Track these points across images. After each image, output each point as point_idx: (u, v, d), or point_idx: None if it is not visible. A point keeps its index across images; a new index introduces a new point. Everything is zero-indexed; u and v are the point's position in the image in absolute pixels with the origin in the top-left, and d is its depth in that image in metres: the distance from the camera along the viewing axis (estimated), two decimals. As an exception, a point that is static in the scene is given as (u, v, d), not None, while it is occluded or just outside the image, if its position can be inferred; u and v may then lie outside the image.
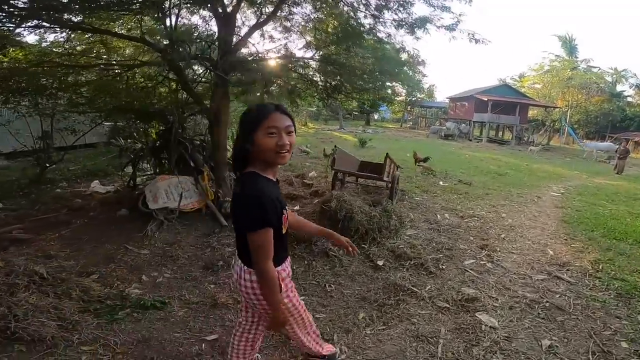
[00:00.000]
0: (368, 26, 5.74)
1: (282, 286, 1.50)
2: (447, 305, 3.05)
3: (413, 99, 45.01)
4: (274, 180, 1.42)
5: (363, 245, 4.01)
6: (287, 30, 6.49)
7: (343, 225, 4.10)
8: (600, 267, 3.93)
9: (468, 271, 3.76)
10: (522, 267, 3.95)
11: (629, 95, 36.52)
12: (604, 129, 34.04)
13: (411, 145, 17.43)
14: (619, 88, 36.16)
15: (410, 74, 40.23)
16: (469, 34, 4.80)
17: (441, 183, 7.88)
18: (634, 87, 35.05)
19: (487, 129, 27.71)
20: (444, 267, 3.81)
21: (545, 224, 5.46)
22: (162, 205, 4.66)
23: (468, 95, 31.12)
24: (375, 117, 55.46)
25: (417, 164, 9.65)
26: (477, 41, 4.89)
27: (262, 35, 6.62)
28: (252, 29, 5.55)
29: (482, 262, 4.00)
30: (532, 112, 34.31)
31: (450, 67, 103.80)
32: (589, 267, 3.94)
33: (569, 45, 35.96)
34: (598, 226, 5.39)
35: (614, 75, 35.04)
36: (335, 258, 3.79)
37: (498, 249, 4.38)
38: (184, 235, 4.22)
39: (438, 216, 5.54)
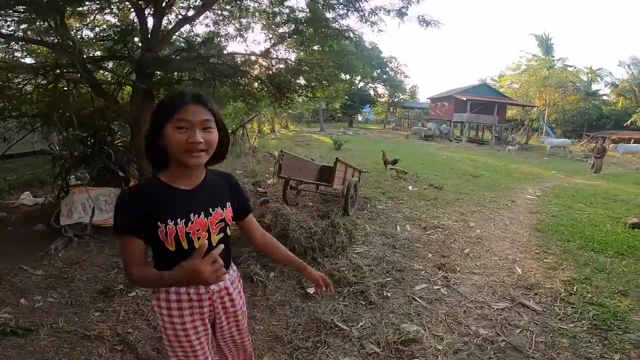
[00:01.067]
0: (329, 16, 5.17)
1: (160, 319, 1.19)
2: (377, 350, 2.40)
3: (395, 99, 44.91)
4: (189, 189, 1.13)
5: None
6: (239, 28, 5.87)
7: None
8: (575, 289, 3.33)
9: (416, 300, 3.12)
10: (482, 291, 3.32)
11: (604, 94, 37.11)
12: (580, 128, 34.43)
13: (390, 147, 16.92)
14: (594, 87, 36.72)
15: (392, 74, 40.38)
16: (418, 16, 4.22)
17: (410, 188, 7.28)
18: (609, 85, 35.61)
19: (466, 129, 27.52)
20: (389, 294, 3.18)
21: (517, 234, 4.87)
22: (76, 220, 4.25)
23: (448, 96, 30.97)
24: (359, 118, 55.27)
25: (387, 166, 9.07)
26: (427, 24, 4.34)
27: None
28: (180, 23, 4.88)
29: (435, 287, 3.37)
30: (510, 112, 34.44)
31: (433, 68, 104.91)
32: (561, 288, 3.33)
33: (546, 45, 36.31)
34: (575, 235, 4.83)
35: (589, 74, 35.53)
36: (260, 283, 3.18)
37: (458, 269, 3.75)
38: (93, 254, 3.76)
39: (398, 228, 4.91)
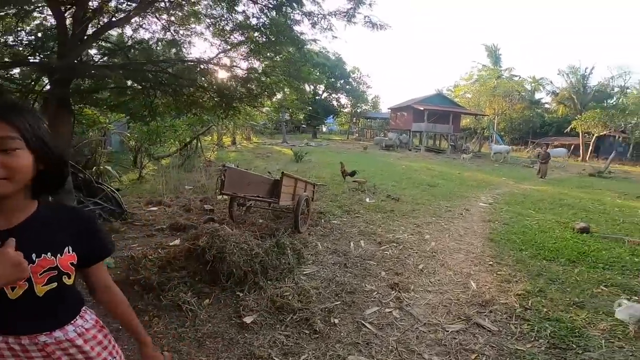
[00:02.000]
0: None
1: None
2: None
3: (358, 110, 45.71)
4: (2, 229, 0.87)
5: (238, 294, 3.10)
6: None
7: (213, 268, 3.21)
8: (530, 303, 3.19)
9: (366, 326, 2.82)
10: (436, 312, 3.09)
11: (546, 103, 40.18)
12: (526, 135, 36.96)
13: (351, 158, 16.92)
14: (537, 95, 39.68)
15: (355, 85, 41.18)
16: (365, 17, 4.08)
17: (367, 200, 7.08)
18: (550, 94, 38.63)
19: (424, 139, 28.44)
20: (336, 320, 2.86)
21: (471, 245, 4.77)
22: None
23: (407, 106, 31.96)
24: (324, 129, 55.64)
25: (345, 178, 8.90)
26: (374, 25, 4.20)
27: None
28: (105, 28, 4.38)
29: (387, 310, 3.10)
30: (464, 121, 36.22)
31: (394, 78, 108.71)
32: (516, 303, 3.18)
33: (494, 55, 38.80)
34: (526, 243, 4.82)
35: (533, 83, 38.34)
36: (190, 312, 2.76)
37: (412, 287, 3.51)
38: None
39: (351, 245, 4.63)
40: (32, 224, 0.91)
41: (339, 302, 3.16)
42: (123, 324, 1.15)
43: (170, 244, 4.23)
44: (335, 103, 42.94)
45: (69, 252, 0.95)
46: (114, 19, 4.56)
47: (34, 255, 0.88)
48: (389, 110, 39.55)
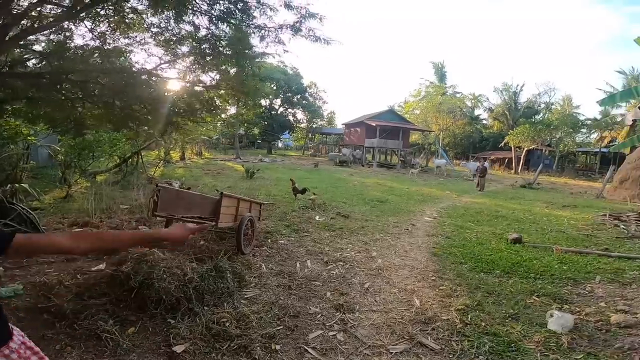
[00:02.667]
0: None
1: None
2: None
3: (314, 125, 46.19)
4: None
5: (170, 321, 2.89)
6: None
7: (139, 295, 2.99)
8: (469, 318, 3.24)
9: (309, 351, 2.69)
10: (380, 332, 3.03)
11: (484, 119, 43.80)
12: (467, 150, 39.89)
13: (305, 174, 16.89)
14: (476, 112, 43.15)
15: (312, 100, 41.70)
16: (309, 30, 4.09)
17: (317, 218, 7.00)
18: (487, 110, 42.20)
19: (377, 154, 29.40)
20: (277, 347, 2.70)
21: (415, 260, 4.84)
22: None
23: (360, 121, 32.96)
24: (280, 145, 55.40)
25: (296, 195, 8.79)
26: (317, 39, 4.25)
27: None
28: (22, 35, 3.94)
29: (332, 333, 2.98)
30: (413, 137, 38.19)
31: (350, 94, 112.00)
32: (457, 319, 3.21)
33: (440, 72, 41.64)
34: (466, 256, 5.00)
35: (473, 100, 41.66)
36: (110, 341, 2.49)
37: (357, 307, 3.44)
38: None
39: (297, 265, 4.47)
40: None
41: (281, 327, 3.01)
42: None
43: (93, 268, 3.84)
44: (291, 118, 43.08)
45: None
46: (36, 24, 4.12)
47: None
48: (344, 125, 40.48)
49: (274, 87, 38.42)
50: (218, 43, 5.44)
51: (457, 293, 3.79)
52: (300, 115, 43.82)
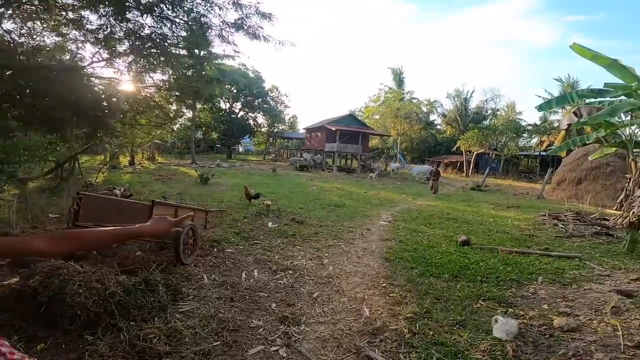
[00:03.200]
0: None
1: None
2: None
3: (275, 130, 45.64)
4: None
5: (87, 337, 2.65)
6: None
7: (48, 311, 2.74)
8: (418, 327, 3.15)
9: (247, 371, 2.42)
10: (326, 346, 2.85)
11: (438, 124, 45.95)
12: (424, 154, 41.56)
13: (264, 179, 16.48)
14: (431, 117, 45.15)
15: (273, 104, 41.12)
16: (248, 27, 3.89)
17: (270, 225, 6.72)
18: (440, 115, 44.32)
19: (337, 158, 29.62)
20: None
21: (368, 266, 4.74)
22: None
23: (321, 126, 33.03)
24: (240, 149, 54.06)
25: (250, 201, 8.45)
26: (256, 36, 4.09)
27: None
28: None
29: (274, 349, 2.77)
30: (373, 141, 39.05)
31: (312, 98, 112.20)
32: (405, 329, 3.11)
33: (399, 78, 43.02)
34: (417, 260, 4.99)
35: (428, 106, 43.54)
36: None
37: (303, 319, 3.24)
38: None
39: (243, 275, 4.19)
40: None
41: (219, 343, 2.76)
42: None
43: (5, 282, 3.31)
44: (252, 122, 42.21)
45: None
46: None
47: None
48: (305, 130, 40.39)
49: (234, 90, 37.48)
50: (164, 42, 5.08)
51: (406, 300, 3.71)
52: (261, 119, 43.12)
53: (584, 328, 3.17)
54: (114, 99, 5.30)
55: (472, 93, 41.09)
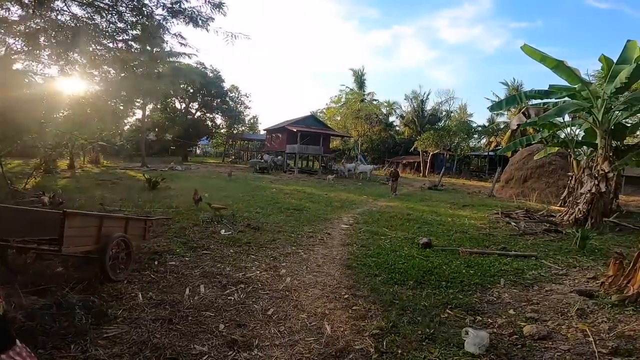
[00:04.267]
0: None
1: None
2: None
3: (235, 131, 44.16)
4: None
5: None
6: None
7: None
8: (385, 345, 2.83)
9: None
10: (283, 378, 2.43)
11: (397, 125, 47.09)
12: (383, 155, 42.38)
13: (221, 183, 15.62)
14: (391, 119, 46.16)
15: (232, 105, 39.64)
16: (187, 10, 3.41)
17: (223, 232, 6.15)
18: (399, 117, 45.45)
19: (298, 160, 29.16)
20: None
21: (329, 276, 4.38)
22: None
23: (281, 127, 32.37)
24: (198, 151, 51.64)
25: (197, 204, 7.85)
26: (195, 23, 3.59)
27: None
28: None
29: (220, 384, 2.29)
30: (334, 143, 39.12)
31: (275, 99, 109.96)
32: (372, 348, 2.78)
33: (360, 79, 43.44)
34: (380, 266, 4.73)
35: (387, 107, 44.45)
36: None
37: (256, 342, 2.81)
38: None
39: (187, 291, 3.65)
40: None
41: None
42: None
43: None
44: (209, 123, 40.44)
45: None
46: None
47: None
48: (265, 131, 39.45)
49: (191, 90, 35.67)
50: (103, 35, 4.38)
51: (371, 313, 3.40)
52: (220, 120, 41.50)
53: (555, 335, 3.05)
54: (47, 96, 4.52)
55: (428, 95, 42.57)
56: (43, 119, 5.44)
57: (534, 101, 11.78)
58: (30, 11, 3.84)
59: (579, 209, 8.85)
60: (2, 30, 4.20)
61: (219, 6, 4.23)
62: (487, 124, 39.82)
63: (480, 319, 3.39)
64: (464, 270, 4.67)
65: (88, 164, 23.43)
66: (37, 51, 4.28)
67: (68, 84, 5.23)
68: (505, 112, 35.44)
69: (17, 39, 4.10)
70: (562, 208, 11.25)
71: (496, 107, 11.76)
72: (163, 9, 3.66)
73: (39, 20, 3.99)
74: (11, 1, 3.71)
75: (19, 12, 3.97)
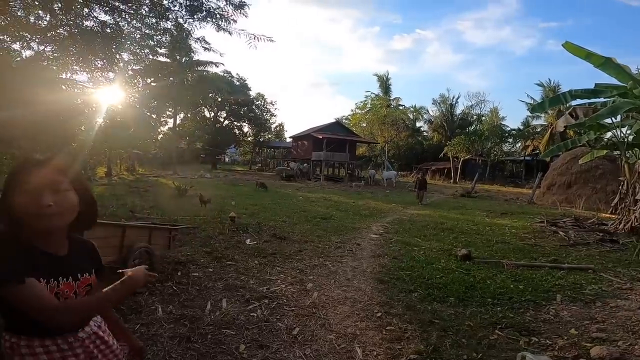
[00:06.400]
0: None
1: None
2: None
3: (261, 139, 44.76)
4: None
5: None
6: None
7: None
8: (426, 373, 2.47)
9: None
10: (309, 413, 2.12)
11: (425, 131, 45.80)
12: (411, 161, 41.22)
13: (247, 190, 15.67)
14: (418, 124, 44.96)
15: (259, 113, 40.29)
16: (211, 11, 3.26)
17: (248, 242, 5.96)
18: (427, 122, 44.18)
19: (324, 167, 28.94)
20: None
21: (359, 291, 4.03)
22: None
23: (307, 134, 32.38)
24: (226, 159, 52.82)
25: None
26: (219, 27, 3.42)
27: None
28: None
29: None
30: (360, 149, 38.55)
31: (300, 106, 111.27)
32: (410, 377, 2.43)
33: (385, 84, 42.79)
34: (416, 281, 4.32)
35: (414, 112, 43.36)
36: None
37: (279, 369, 2.51)
38: None
39: (208, 305, 3.44)
40: (73, 252, 1.17)
41: None
42: (107, 321, 1.30)
43: None
44: (237, 131, 41.26)
45: (92, 272, 1.21)
46: None
47: (79, 275, 1.15)
48: (291, 139, 39.63)
49: (219, 98, 36.60)
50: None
51: (407, 334, 3.03)
52: (246, 128, 42.24)
53: (628, 356, 2.60)
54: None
55: (457, 99, 41.18)
56: (83, 128, 5.54)
57: (579, 101, 10.91)
58: (59, 17, 3.86)
59: (635, 216, 7.95)
60: (35, 37, 4.26)
61: (240, 7, 4.08)
62: (521, 127, 37.88)
63: (537, 340, 2.94)
64: (511, 286, 4.17)
65: (124, 171, 24.45)
66: (67, 58, 4.29)
67: (104, 93, 5.27)
68: (542, 115, 33.56)
69: (46, 45, 4.14)
70: (614, 215, 10.23)
71: (538, 108, 11.00)
72: (180, 8, 3.56)
73: (67, 28, 4.01)
74: (41, 9, 3.74)
75: (48, 17, 4.00)
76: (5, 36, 5.20)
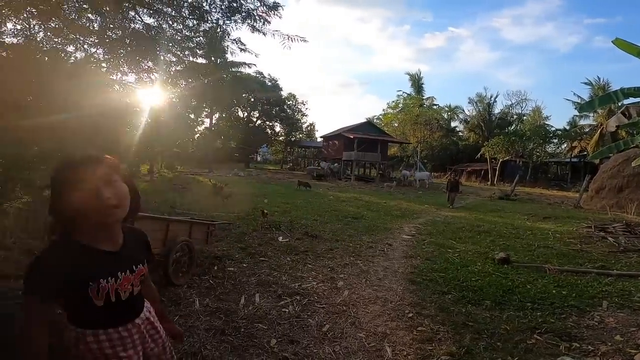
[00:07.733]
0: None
1: None
2: None
3: (292, 138, 45.37)
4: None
5: None
6: None
7: None
8: (458, 377, 2.42)
9: None
10: (338, 407, 2.16)
11: (460, 131, 44.12)
12: (445, 162, 39.88)
13: (278, 189, 15.99)
14: (453, 124, 43.37)
15: (290, 112, 40.93)
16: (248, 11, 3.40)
17: (280, 239, 6.10)
18: (462, 122, 42.52)
19: (355, 167, 28.79)
20: None
21: (390, 291, 4.01)
22: None
23: (338, 134, 32.39)
24: (258, 158, 54.12)
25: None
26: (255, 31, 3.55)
27: None
28: None
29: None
30: (392, 150, 37.92)
31: (331, 106, 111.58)
32: (442, 379, 2.39)
33: (417, 84, 41.78)
34: (449, 283, 4.22)
35: (449, 112, 41.91)
36: None
37: (309, 363, 2.56)
38: None
39: (242, 300, 3.56)
40: (127, 244, 1.21)
41: None
42: (153, 306, 1.38)
43: None
44: (269, 131, 42.14)
45: (145, 263, 1.28)
46: None
47: (134, 267, 1.21)
48: (322, 139, 39.81)
49: (252, 99, 37.58)
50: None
51: (439, 335, 2.98)
52: (278, 127, 43.02)
53: None
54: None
55: (495, 97, 39.28)
56: (130, 128, 5.91)
57: (632, 100, 10.06)
58: (108, 20, 4.16)
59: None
60: (87, 39, 4.61)
61: (274, 8, 4.18)
62: (568, 128, 35.49)
63: (578, 345, 2.79)
64: (553, 291, 3.97)
65: (165, 169, 25.77)
66: (117, 60, 4.61)
67: (147, 93, 5.59)
68: (591, 114, 31.25)
69: (98, 48, 4.47)
70: (674, 222, 9.33)
71: (586, 107, 10.30)
72: (218, 11, 3.73)
73: (117, 30, 4.31)
74: (92, 12, 4.04)
75: (99, 20, 4.32)
76: (60, 39, 5.66)
